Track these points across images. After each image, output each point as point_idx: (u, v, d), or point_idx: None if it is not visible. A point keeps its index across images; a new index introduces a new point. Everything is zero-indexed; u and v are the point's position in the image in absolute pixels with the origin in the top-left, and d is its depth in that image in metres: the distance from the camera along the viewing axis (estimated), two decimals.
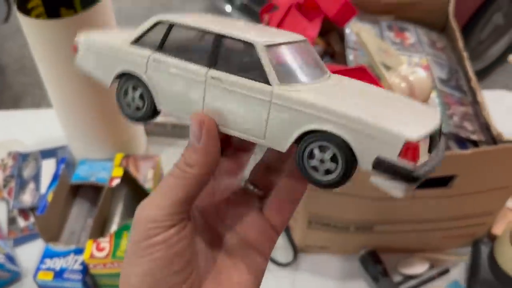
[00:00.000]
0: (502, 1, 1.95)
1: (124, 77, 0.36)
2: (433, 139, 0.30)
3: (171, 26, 0.34)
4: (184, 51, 0.33)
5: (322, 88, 0.32)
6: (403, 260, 0.77)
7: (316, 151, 0.30)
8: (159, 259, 0.30)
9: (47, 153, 0.93)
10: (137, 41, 0.35)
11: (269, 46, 0.31)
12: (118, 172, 0.77)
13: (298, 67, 0.33)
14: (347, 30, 0.80)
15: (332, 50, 0.82)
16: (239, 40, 0.31)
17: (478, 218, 0.74)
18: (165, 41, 0.34)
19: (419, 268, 0.76)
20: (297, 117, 0.29)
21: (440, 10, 0.88)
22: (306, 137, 0.30)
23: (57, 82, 0.75)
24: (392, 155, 0.27)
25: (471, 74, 0.76)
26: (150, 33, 0.35)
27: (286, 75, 0.31)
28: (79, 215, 0.82)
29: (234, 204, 0.37)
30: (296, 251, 0.79)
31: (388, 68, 0.71)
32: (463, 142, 0.70)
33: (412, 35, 0.85)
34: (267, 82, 0.30)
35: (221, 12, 2.30)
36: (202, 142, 0.31)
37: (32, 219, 0.83)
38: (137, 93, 0.35)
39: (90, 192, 0.84)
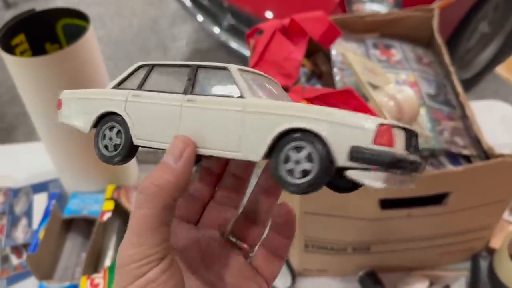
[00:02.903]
0: (487, 10, 1.98)
1: (101, 122, 0.37)
2: (409, 138, 0.30)
3: (152, 67, 0.36)
4: (162, 86, 0.35)
5: (288, 103, 0.33)
6: (403, 279, 0.76)
7: (291, 153, 0.30)
8: None
9: (38, 187, 0.92)
10: (119, 85, 0.37)
11: (243, 70, 0.34)
12: (109, 205, 0.76)
13: (267, 88, 0.35)
14: (333, 51, 0.80)
15: (319, 71, 0.82)
16: (216, 67, 0.34)
17: (475, 232, 0.74)
18: (146, 80, 0.36)
19: (419, 286, 0.75)
20: (270, 120, 0.30)
21: (424, 25, 0.89)
22: (279, 141, 0.30)
23: (44, 117, 0.75)
24: (366, 142, 0.27)
25: (459, 88, 0.76)
26: (132, 77, 0.37)
27: (256, 91, 0.33)
28: (72, 250, 0.81)
29: (220, 253, 0.36)
30: (294, 275, 0.78)
31: (375, 87, 0.71)
32: (455, 158, 0.70)
33: (398, 51, 0.85)
34: (240, 96, 0.32)
35: (209, 34, 2.32)
36: (181, 164, 0.30)
37: (25, 257, 0.81)
38: (114, 132, 0.36)
39: (83, 225, 0.83)
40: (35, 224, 0.86)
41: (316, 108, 0.29)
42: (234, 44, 2.03)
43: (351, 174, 0.28)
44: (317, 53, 0.85)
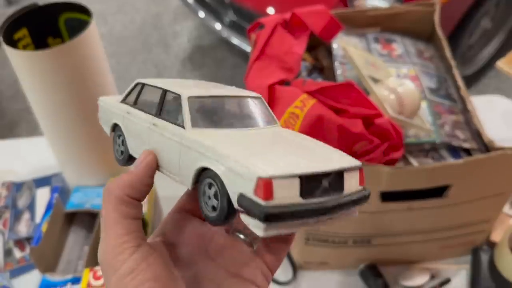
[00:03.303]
0: (489, 6, 1.97)
1: (115, 129, 0.43)
2: (311, 182, 0.30)
3: (143, 86, 0.41)
4: (147, 105, 0.40)
5: (235, 133, 0.35)
6: (403, 272, 0.76)
7: (206, 188, 0.32)
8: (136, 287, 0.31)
9: (41, 182, 0.93)
10: (124, 99, 0.43)
11: (195, 97, 0.36)
12: None
13: (220, 117, 0.37)
14: (334, 45, 0.81)
15: (320, 65, 0.83)
16: (173, 93, 0.37)
17: (475, 226, 0.74)
18: (139, 97, 0.41)
19: (419, 279, 0.75)
20: (194, 155, 0.33)
21: (425, 19, 0.89)
22: (200, 176, 0.33)
23: (47, 111, 0.75)
24: (249, 191, 0.29)
25: (460, 82, 0.76)
26: (132, 92, 0.42)
27: (200, 122, 0.35)
28: (75, 243, 0.82)
29: (225, 245, 0.37)
30: (295, 268, 0.78)
31: (376, 81, 0.71)
32: (456, 151, 0.70)
33: (399, 46, 0.85)
34: (183, 126, 0.35)
35: (211, 30, 2.32)
36: (138, 168, 0.35)
37: (28, 250, 0.82)
38: (120, 140, 0.42)
39: (86, 219, 0.84)
40: (38, 218, 0.86)
41: (226, 149, 0.31)
42: (235, 40, 2.03)
43: (242, 216, 0.30)
44: (319, 47, 0.85)
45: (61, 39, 0.79)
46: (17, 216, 0.87)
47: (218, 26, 2.11)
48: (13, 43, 0.72)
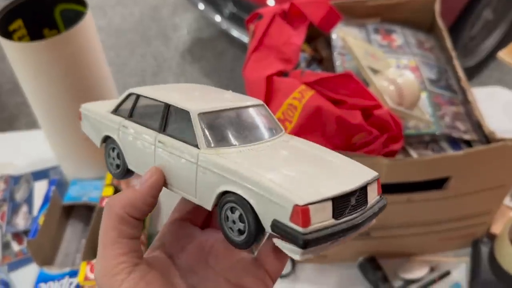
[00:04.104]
0: None
1: (107, 141, 0.41)
2: (341, 203, 0.30)
3: (138, 97, 0.39)
4: (145, 118, 0.38)
5: (249, 151, 0.34)
6: (403, 265, 0.76)
7: (229, 212, 0.32)
8: None
9: (39, 175, 0.92)
10: (116, 110, 0.41)
11: (205, 114, 0.35)
12: (108, 191, 0.76)
13: (232, 131, 0.35)
14: (334, 36, 0.80)
15: (319, 56, 0.82)
16: (180, 109, 0.35)
17: (476, 218, 0.73)
18: (134, 109, 0.39)
19: (419, 272, 0.75)
20: (214, 178, 0.32)
21: (426, 9, 0.88)
22: (222, 199, 0.32)
23: (44, 103, 0.75)
24: (285, 218, 0.29)
25: (461, 73, 0.75)
26: (125, 102, 0.40)
27: (215, 140, 0.34)
28: (73, 236, 0.81)
29: (225, 254, 0.37)
30: (294, 261, 0.78)
31: (375, 71, 0.70)
32: (456, 143, 0.69)
33: (399, 36, 0.84)
34: (197, 145, 0.34)
35: (211, 22, 2.30)
36: (143, 187, 0.33)
37: (26, 243, 0.82)
38: (115, 153, 0.40)
39: (84, 212, 0.83)
40: (35, 211, 0.86)
41: (253, 174, 0.30)
42: (235, 33, 2.02)
43: (275, 241, 0.30)
44: (318, 38, 0.84)
45: (57, 31, 0.79)
46: (14, 209, 0.87)
47: (217, 18, 2.10)
48: (8, 35, 0.71)
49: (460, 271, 0.76)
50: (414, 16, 0.89)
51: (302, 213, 0.28)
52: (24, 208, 0.87)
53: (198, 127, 0.34)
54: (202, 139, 0.33)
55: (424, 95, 0.73)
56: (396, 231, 0.72)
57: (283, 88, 0.63)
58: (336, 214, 0.30)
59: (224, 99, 0.39)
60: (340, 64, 0.75)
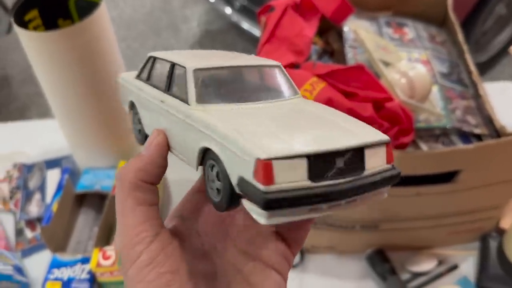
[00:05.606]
0: None
1: (133, 107, 0.41)
2: (322, 163, 0.26)
3: (154, 60, 0.38)
4: (158, 80, 0.37)
5: (244, 108, 0.32)
6: (411, 258, 0.76)
7: (209, 170, 0.30)
8: (153, 281, 0.29)
9: (51, 163, 0.94)
10: (138, 75, 0.40)
11: (201, 70, 0.33)
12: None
13: (228, 89, 0.33)
14: (345, 28, 0.80)
15: (331, 49, 0.82)
16: (180, 65, 0.34)
17: (485, 212, 0.73)
18: (151, 72, 0.38)
19: (427, 265, 0.75)
20: (196, 135, 0.30)
21: (438, 3, 0.88)
22: (204, 157, 0.30)
23: (58, 93, 0.76)
24: (249, 175, 0.25)
25: (472, 67, 0.75)
26: (145, 67, 0.39)
27: (206, 96, 0.32)
28: (85, 224, 0.83)
29: (244, 227, 0.35)
30: (303, 252, 0.78)
31: (387, 64, 0.71)
32: (466, 137, 0.69)
33: (411, 30, 0.84)
34: (188, 102, 0.32)
35: (221, 15, 2.30)
36: (149, 151, 0.33)
37: (39, 230, 0.83)
38: (137, 118, 0.40)
39: (96, 200, 0.84)
40: (48, 199, 0.87)
41: (226, 128, 0.28)
42: (245, 25, 2.02)
43: (243, 202, 0.27)
44: (329, 31, 0.85)
45: (71, 21, 0.79)
46: (28, 197, 0.88)
47: (228, 10, 2.10)
48: (24, 24, 0.72)
49: (468, 265, 0.76)
50: (426, 9, 0.88)
51: (263, 168, 0.24)
52: (37, 196, 0.88)
53: (191, 83, 0.32)
54: (192, 95, 0.32)
55: (435, 89, 0.73)
56: (404, 224, 0.73)
57: (294, 80, 0.62)
58: (314, 176, 0.26)
59: (238, 60, 0.37)
60: (352, 56, 0.75)
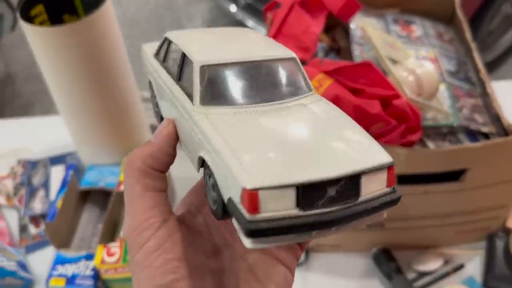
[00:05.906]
0: None
1: (150, 85, 0.40)
2: (312, 192, 0.25)
3: (169, 43, 0.37)
4: (173, 64, 0.36)
5: (244, 113, 0.30)
6: (417, 257, 0.76)
7: (207, 178, 0.29)
8: (160, 266, 0.29)
9: (56, 160, 0.94)
10: (156, 54, 0.39)
11: (209, 66, 0.31)
12: None
13: (236, 89, 0.31)
14: (352, 25, 0.79)
15: (337, 46, 0.81)
16: (189, 59, 0.33)
17: (491, 211, 0.73)
18: (167, 54, 0.37)
19: (433, 264, 0.75)
20: (197, 140, 0.29)
21: (446, 1, 0.87)
22: (203, 164, 0.30)
23: (64, 89, 0.75)
24: (237, 199, 0.25)
25: (480, 65, 0.75)
26: (162, 47, 0.38)
27: (211, 97, 0.31)
28: (89, 221, 0.82)
29: None
30: (308, 251, 0.78)
31: (394, 62, 0.70)
32: (473, 135, 0.69)
33: (418, 28, 0.83)
34: (192, 101, 0.31)
35: (226, 12, 2.30)
36: (158, 138, 0.32)
37: (43, 226, 0.83)
38: (155, 99, 0.39)
39: (100, 197, 0.84)
40: (52, 195, 0.87)
41: (221, 143, 0.27)
42: (250, 23, 2.02)
43: (233, 220, 0.26)
44: (336, 28, 0.84)
45: (77, 16, 0.79)
46: (32, 193, 0.88)
47: (233, 8, 2.09)
48: (29, 20, 0.72)
49: (474, 265, 0.76)
50: (434, 7, 0.88)
51: (249, 198, 0.24)
52: (41, 192, 0.88)
53: (197, 80, 0.31)
54: (197, 94, 0.30)
55: (442, 87, 0.73)
56: (411, 223, 0.72)
57: None
58: (303, 204, 0.25)
59: (248, 45, 0.35)
60: (359, 54, 0.74)
